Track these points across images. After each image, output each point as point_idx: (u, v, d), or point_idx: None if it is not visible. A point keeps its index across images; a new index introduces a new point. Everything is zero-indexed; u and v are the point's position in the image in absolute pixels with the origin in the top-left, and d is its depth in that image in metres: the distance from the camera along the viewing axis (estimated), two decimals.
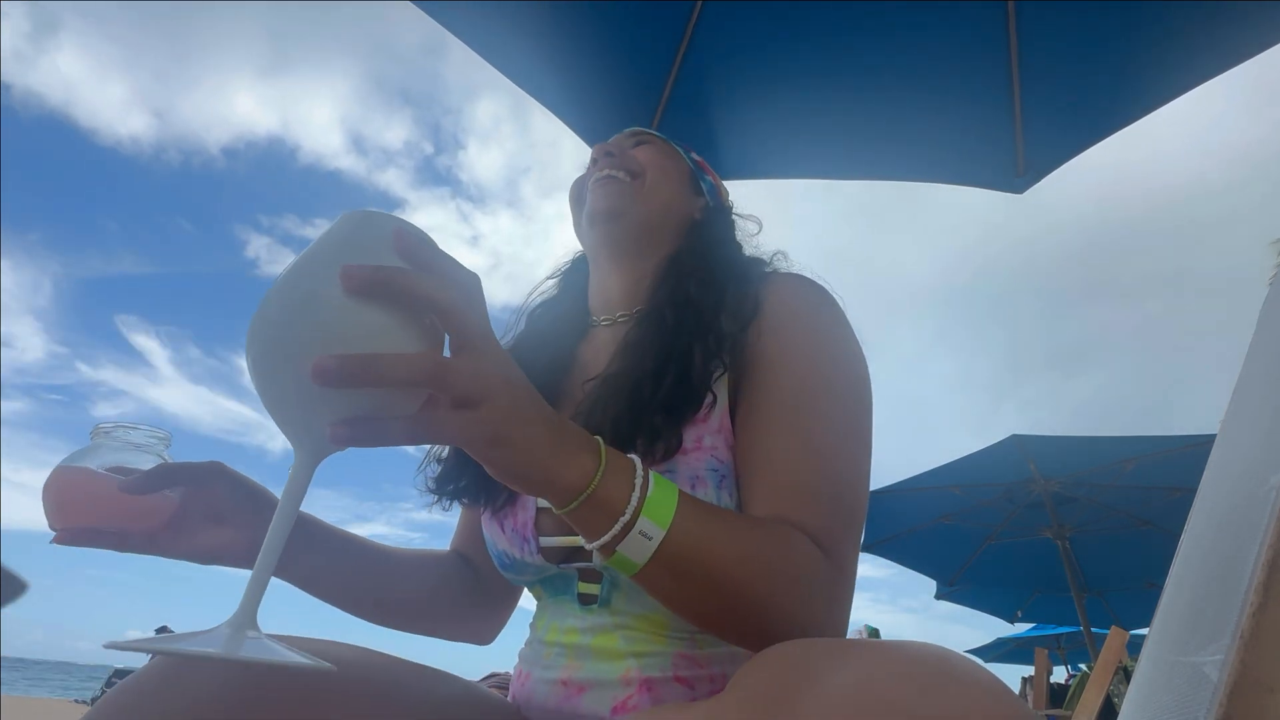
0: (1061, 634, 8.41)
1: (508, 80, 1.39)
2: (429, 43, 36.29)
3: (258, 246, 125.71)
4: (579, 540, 0.62)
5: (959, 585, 5.93)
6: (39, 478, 0.57)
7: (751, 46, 0.79)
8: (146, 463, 0.58)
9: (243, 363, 0.40)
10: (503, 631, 0.86)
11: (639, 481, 0.46)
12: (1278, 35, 1.19)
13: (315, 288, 0.38)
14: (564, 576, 0.66)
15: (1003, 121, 1.44)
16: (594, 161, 0.79)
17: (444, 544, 0.87)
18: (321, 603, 0.70)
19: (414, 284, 0.38)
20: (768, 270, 0.77)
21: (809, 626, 0.49)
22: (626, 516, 0.45)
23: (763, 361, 0.64)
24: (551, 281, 0.91)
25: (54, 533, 0.55)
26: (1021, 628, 8.00)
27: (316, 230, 0.44)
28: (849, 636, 0.51)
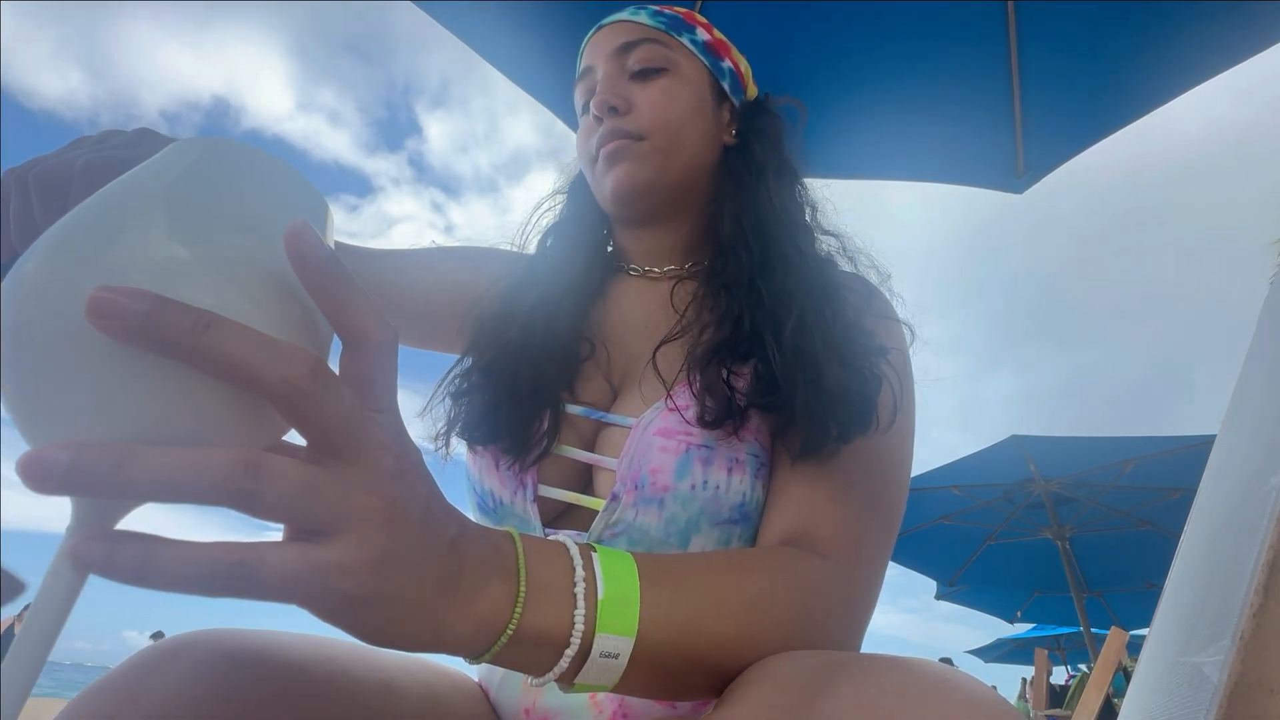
0: (1061, 634, 8.42)
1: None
2: None
3: None
4: (584, 500, 0.57)
5: (959, 585, 5.94)
6: None
7: (749, 46, 0.79)
8: None
9: None
10: None
11: (581, 589, 0.34)
12: (1278, 35, 1.19)
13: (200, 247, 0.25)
14: None
15: (1003, 121, 1.44)
16: (596, 119, 0.66)
17: None
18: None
19: (352, 295, 0.27)
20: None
21: (818, 647, 0.43)
22: (574, 645, 0.33)
23: None
24: (560, 198, 0.77)
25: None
26: (1021, 628, 8.00)
27: None
28: None
